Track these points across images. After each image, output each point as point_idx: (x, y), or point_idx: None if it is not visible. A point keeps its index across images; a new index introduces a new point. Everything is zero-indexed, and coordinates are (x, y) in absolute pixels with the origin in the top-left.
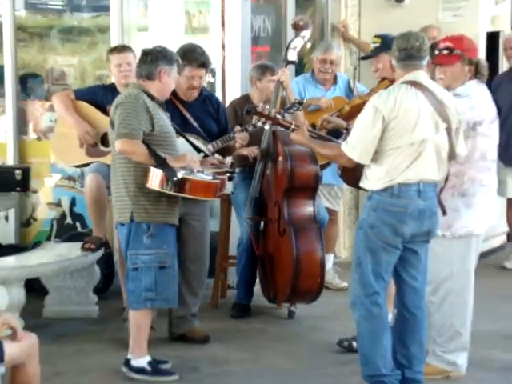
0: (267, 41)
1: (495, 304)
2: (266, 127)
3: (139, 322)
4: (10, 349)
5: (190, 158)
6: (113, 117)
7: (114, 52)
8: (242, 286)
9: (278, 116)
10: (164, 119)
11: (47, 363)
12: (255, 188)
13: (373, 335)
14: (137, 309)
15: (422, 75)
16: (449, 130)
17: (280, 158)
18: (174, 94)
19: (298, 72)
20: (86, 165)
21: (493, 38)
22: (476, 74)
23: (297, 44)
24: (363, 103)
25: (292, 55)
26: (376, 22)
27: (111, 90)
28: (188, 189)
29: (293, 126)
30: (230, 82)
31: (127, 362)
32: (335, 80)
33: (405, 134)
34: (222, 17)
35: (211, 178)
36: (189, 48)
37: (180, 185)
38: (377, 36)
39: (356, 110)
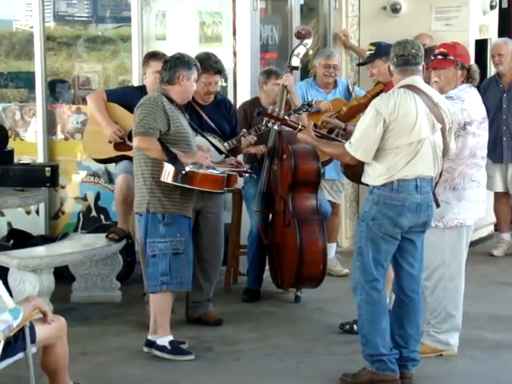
0: (275, 48)
1: (484, 288)
2: (275, 127)
3: (160, 304)
4: (41, 331)
5: (201, 155)
6: (135, 116)
7: (155, 59)
8: (252, 273)
9: (286, 117)
10: (181, 121)
11: (75, 344)
12: (263, 183)
13: (372, 317)
14: (154, 291)
15: (418, 79)
16: (443, 129)
17: (285, 156)
18: (192, 98)
19: (303, 77)
20: (114, 159)
21: (481, 46)
22: (468, 78)
23: (300, 51)
24: (359, 105)
25: (295, 61)
26: (374, 30)
27: (140, 92)
28: (195, 181)
29: (299, 127)
30: (241, 85)
31: (148, 343)
32: (335, 84)
33: (404, 134)
34: (234, 26)
35: (219, 172)
36: (204, 57)
37: (188, 177)
38: (372, 44)
39: (353, 111)
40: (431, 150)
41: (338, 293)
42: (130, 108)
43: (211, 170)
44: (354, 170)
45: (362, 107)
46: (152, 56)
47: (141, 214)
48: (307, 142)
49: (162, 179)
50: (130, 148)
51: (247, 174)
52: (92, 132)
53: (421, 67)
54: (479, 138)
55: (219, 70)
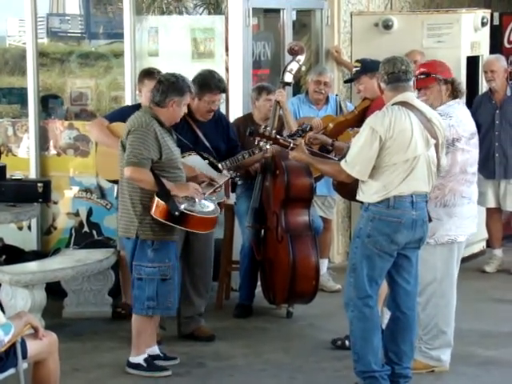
0: (267, 64)
1: (476, 304)
2: (268, 146)
3: (139, 327)
4: (33, 346)
5: (193, 187)
6: (124, 141)
7: (150, 78)
8: (244, 289)
9: (277, 136)
10: (170, 147)
11: (66, 359)
12: (255, 199)
13: (364, 334)
14: (139, 314)
15: (410, 96)
16: (436, 145)
17: (278, 172)
18: (191, 115)
19: (296, 93)
20: None
21: (473, 62)
22: (453, 91)
23: (292, 67)
24: (346, 121)
25: (288, 77)
26: (366, 47)
27: (137, 110)
28: (188, 223)
29: (291, 145)
30: (233, 101)
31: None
32: (327, 100)
33: (400, 151)
34: (226, 43)
35: (213, 208)
36: (208, 75)
37: (181, 219)
38: (357, 61)
39: (340, 127)
40: (426, 166)
41: (331, 308)
42: None
43: (203, 207)
44: (347, 188)
45: (349, 123)
46: (146, 74)
47: (128, 237)
48: (301, 160)
49: (152, 214)
50: None
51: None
52: (103, 153)
53: (411, 83)
54: (469, 154)
55: (223, 89)
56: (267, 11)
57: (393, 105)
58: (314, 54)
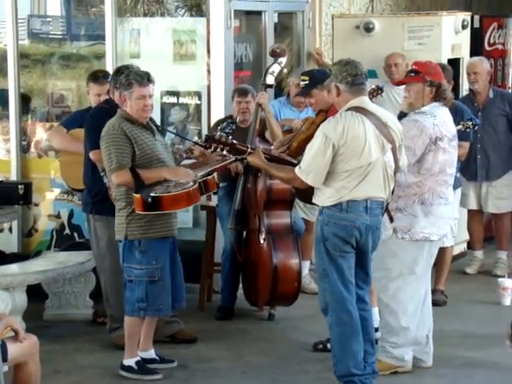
0: (249, 66)
1: (457, 306)
2: (224, 152)
3: (131, 328)
4: (13, 349)
5: (184, 171)
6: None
7: (95, 81)
8: (226, 291)
9: (234, 141)
10: (144, 140)
11: (47, 362)
12: (237, 201)
13: (343, 339)
14: (131, 316)
15: (366, 100)
16: (394, 149)
17: (259, 174)
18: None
19: (278, 95)
20: None
21: (453, 65)
22: (437, 96)
23: (274, 69)
24: (307, 138)
25: (270, 79)
26: (347, 49)
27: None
28: (164, 205)
29: (249, 150)
30: (215, 103)
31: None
32: None
33: (353, 158)
34: (208, 45)
35: (188, 186)
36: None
37: (155, 203)
38: (304, 74)
39: (302, 145)
40: (381, 171)
41: (312, 310)
42: None
43: (181, 188)
44: (304, 192)
45: (309, 138)
46: (92, 78)
47: (120, 240)
48: (257, 166)
49: (136, 211)
50: None
51: (238, 161)
52: (67, 163)
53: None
54: (449, 154)
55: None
56: (249, 13)
57: (347, 110)
58: (296, 56)
